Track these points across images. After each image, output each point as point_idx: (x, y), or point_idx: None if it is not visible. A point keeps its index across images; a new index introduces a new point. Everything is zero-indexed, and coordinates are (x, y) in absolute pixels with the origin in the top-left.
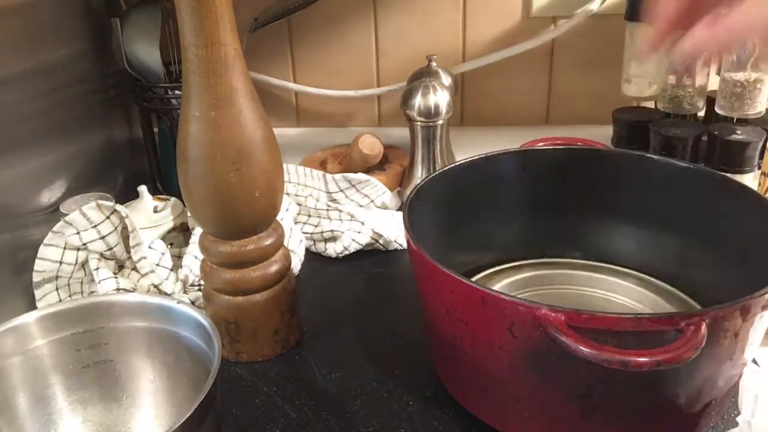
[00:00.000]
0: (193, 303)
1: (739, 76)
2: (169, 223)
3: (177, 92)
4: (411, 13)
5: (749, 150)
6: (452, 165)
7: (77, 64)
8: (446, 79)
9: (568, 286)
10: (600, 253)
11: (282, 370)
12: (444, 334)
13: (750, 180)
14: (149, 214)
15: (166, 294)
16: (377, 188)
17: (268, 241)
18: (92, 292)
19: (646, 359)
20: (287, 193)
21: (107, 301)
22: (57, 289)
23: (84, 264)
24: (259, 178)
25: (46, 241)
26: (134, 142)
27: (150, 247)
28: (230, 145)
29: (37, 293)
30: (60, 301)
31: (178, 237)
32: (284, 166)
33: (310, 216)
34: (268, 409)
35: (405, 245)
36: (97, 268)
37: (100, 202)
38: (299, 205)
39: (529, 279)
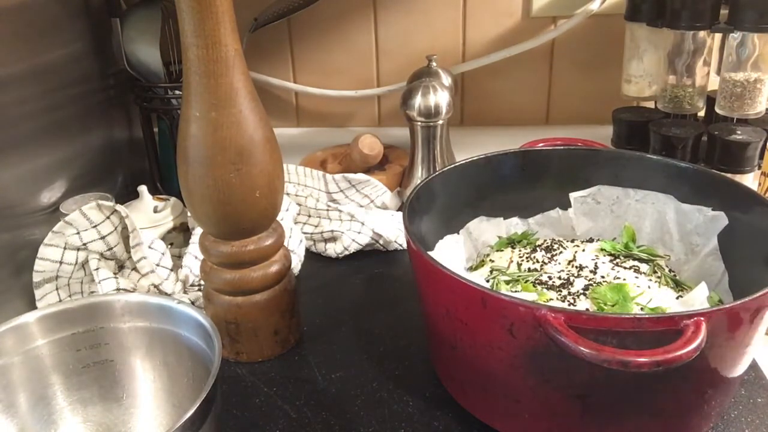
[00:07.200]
0: (193, 303)
1: (739, 76)
2: (169, 223)
3: (177, 92)
4: (411, 13)
5: (749, 150)
6: (452, 165)
7: (77, 64)
8: (446, 79)
9: None
10: None
11: (282, 370)
12: (444, 334)
13: (750, 180)
14: (149, 214)
15: (166, 294)
16: (377, 188)
17: (268, 242)
18: (92, 292)
19: (646, 359)
20: (287, 193)
21: (107, 301)
22: (57, 289)
23: (84, 264)
24: (260, 178)
25: (46, 241)
26: (134, 142)
27: (150, 247)
28: (230, 146)
29: (37, 293)
30: (60, 301)
31: (178, 237)
32: (284, 166)
33: (310, 216)
34: (268, 409)
35: (405, 245)
36: (97, 268)
37: (100, 202)
38: (299, 205)
39: None
